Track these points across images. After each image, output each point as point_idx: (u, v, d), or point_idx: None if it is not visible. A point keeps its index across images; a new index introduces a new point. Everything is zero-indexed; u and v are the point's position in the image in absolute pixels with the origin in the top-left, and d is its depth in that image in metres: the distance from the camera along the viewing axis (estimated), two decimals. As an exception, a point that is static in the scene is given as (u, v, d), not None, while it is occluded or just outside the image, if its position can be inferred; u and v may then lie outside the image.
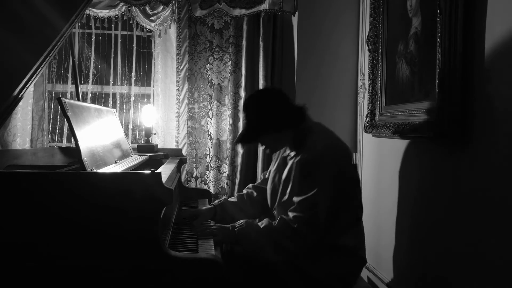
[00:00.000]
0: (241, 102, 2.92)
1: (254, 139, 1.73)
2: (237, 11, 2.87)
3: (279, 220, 1.57)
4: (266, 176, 1.91)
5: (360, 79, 2.59)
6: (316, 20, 2.71)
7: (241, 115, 2.92)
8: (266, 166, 2.82)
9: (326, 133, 1.69)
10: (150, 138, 2.68)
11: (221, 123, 3.03)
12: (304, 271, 1.57)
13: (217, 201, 1.93)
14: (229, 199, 1.95)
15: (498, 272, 1.31)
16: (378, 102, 2.23)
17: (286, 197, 1.63)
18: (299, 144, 1.63)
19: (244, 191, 1.99)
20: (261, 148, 2.83)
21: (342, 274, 1.61)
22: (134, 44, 3.05)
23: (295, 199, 1.55)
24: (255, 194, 1.93)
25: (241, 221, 1.62)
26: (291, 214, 1.54)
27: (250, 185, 2.01)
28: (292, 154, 1.67)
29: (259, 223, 1.60)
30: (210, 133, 3.04)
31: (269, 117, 1.65)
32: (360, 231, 1.70)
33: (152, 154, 2.41)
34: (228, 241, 1.62)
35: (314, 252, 1.58)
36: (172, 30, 3.01)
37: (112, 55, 3.03)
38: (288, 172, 1.66)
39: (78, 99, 2.08)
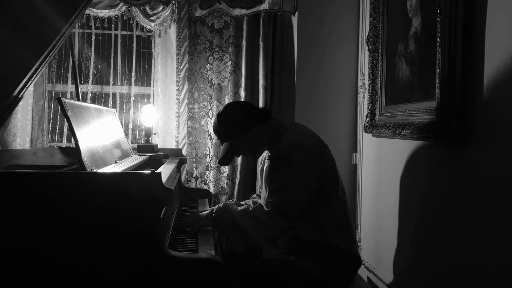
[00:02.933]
0: (241, 102, 2.93)
1: (232, 148, 1.74)
2: (237, 11, 2.87)
3: (257, 205, 1.61)
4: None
5: (360, 79, 2.59)
6: (316, 20, 2.71)
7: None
8: (266, 166, 2.82)
9: (299, 130, 1.73)
10: (150, 138, 2.68)
11: (221, 123, 3.03)
12: (302, 271, 1.57)
13: (229, 202, 1.98)
14: (239, 203, 2.00)
15: (500, 274, 1.31)
16: (378, 102, 2.23)
17: (266, 193, 1.67)
18: (276, 141, 1.67)
19: (250, 199, 2.04)
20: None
21: (340, 273, 1.61)
22: (134, 44, 3.05)
23: (269, 189, 1.60)
24: (259, 201, 1.96)
25: (220, 204, 1.69)
26: (264, 201, 1.59)
27: (255, 195, 2.09)
28: (270, 154, 1.72)
29: (238, 207, 1.66)
30: (210, 133, 3.04)
31: (233, 120, 1.71)
32: (349, 230, 1.69)
33: (152, 154, 2.41)
34: (204, 225, 1.66)
35: (311, 252, 1.59)
36: (172, 30, 3.01)
37: (112, 55, 3.03)
38: (265, 170, 1.72)
39: (78, 99, 2.08)
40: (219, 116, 1.74)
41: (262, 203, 1.60)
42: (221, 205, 1.68)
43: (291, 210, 1.52)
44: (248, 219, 1.57)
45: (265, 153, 1.83)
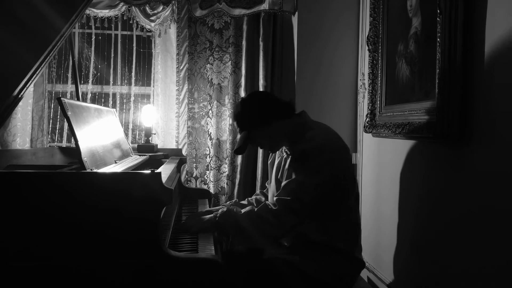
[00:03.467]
0: (241, 102, 2.93)
1: (249, 139, 1.71)
2: (237, 11, 2.87)
3: (261, 205, 1.59)
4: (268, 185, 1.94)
5: (360, 79, 2.59)
6: (316, 20, 2.71)
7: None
8: (266, 166, 2.81)
9: (328, 130, 1.71)
10: (150, 138, 2.68)
11: (221, 123, 3.03)
12: (304, 271, 1.57)
13: (228, 203, 1.97)
14: (240, 202, 2.00)
15: (499, 274, 1.31)
16: (378, 102, 2.23)
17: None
18: (298, 138, 1.63)
19: (253, 196, 2.04)
20: (260, 150, 2.84)
21: (342, 275, 1.61)
22: (134, 44, 3.05)
23: (283, 183, 1.57)
24: (263, 199, 1.97)
25: (223, 208, 1.67)
26: (274, 198, 1.56)
27: (258, 191, 2.07)
28: (291, 150, 1.67)
29: (241, 210, 1.64)
30: (210, 133, 3.04)
31: (255, 112, 1.67)
32: (357, 235, 1.69)
33: (152, 154, 2.41)
34: (210, 229, 1.64)
35: (314, 253, 1.59)
36: (172, 30, 3.01)
37: (112, 55, 3.03)
38: (281, 166, 1.69)
39: (78, 99, 2.08)
40: (243, 104, 1.71)
41: (267, 202, 1.58)
42: (224, 209, 1.66)
43: (299, 206, 1.51)
44: (252, 220, 1.55)
45: (281, 153, 1.80)
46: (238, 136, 2.85)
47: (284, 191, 1.55)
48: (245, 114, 1.69)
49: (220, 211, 1.66)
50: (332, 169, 1.56)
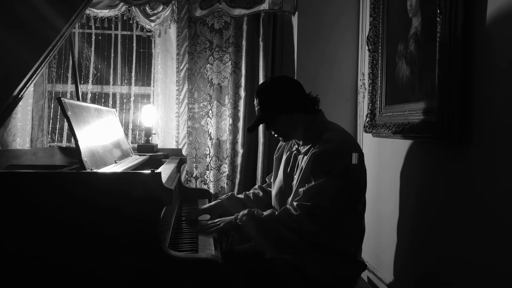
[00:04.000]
0: (241, 102, 2.93)
1: (269, 120, 1.68)
2: (237, 11, 2.87)
3: (282, 209, 1.57)
4: (272, 179, 1.92)
5: (360, 79, 2.59)
6: (316, 20, 2.71)
7: (241, 115, 2.92)
8: (266, 166, 2.82)
9: (344, 132, 1.69)
10: (150, 138, 2.68)
11: (221, 123, 3.03)
12: (304, 271, 1.56)
13: (224, 196, 1.96)
14: (237, 195, 2.00)
15: (498, 273, 1.31)
16: (378, 102, 2.23)
17: (296, 188, 1.61)
18: (315, 137, 1.61)
19: (251, 191, 2.02)
20: (260, 150, 2.84)
21: (343, 277, 1.60)
22: (134, 44, 3.05)
23: (301, 189, 1.54)
24: (261, 194, 1.96)
25: (244, 211, 1.62)
26: (295, 203, 1.53)
27: (257, 186, 2.06)
28: (306, 148, 1.64)
29: (263, 213, 1.60)
30: (210, 133, 3.04)
31: (283, 97, 1.64)
32: (361, 237, 1.69)
33: (152, 154, 2.41)
34: (228, 229, 1.64)
35: (316, 254, 1.58)
36: (172, 30, 3.01)
37: (112, 55, 3.03)
38: (301, 166, 1.63)
39: (78, 99, 2.08)
40: (273, 84, 1.68)
41: (288, 207, 1.55)
42: (245, 211, 1.61)
43: (319, 212, 1.48)
44: (273, 223, 1.53)
45: (290, 146, 1.79)
46: (240, 133, 2.87)
47: (304, 196, 1.51)
48: (270, 95, 1.66)
49: (241, 213, 1.62)
50: (353, 173, 1.55)
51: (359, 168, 1.61)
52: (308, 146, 1.63)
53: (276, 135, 1.73)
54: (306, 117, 1.66)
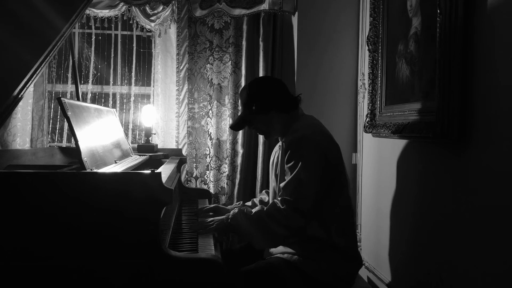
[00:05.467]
0: (241, 102, 2.93)
1: (246, 120, 1.77)
2: (237, 11, 2.87)
3: (270, 204, 1.60)
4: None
5: (360, 79, 2.59)
6: (316, 20, 2.71)
7: (241, 115, 2.92)
8: (266, 166, 2.82)
9: (313, 121, 1.74)
10: (150, 138, 2.68)
11: (221, 123, 3.03)
12: (304, 271, 1.57)
13: (233, 205, 2.03)
14: (245, 204, 2.02)
15: (498, 273, 1.31)
16: (378, 102, 2.23)
17: (278, 183, 1.68)
18: (285, 132, 1.69)
19: (259, 196, 2.06)
20: (261, 150, 2.84)
21: (341, 274, 1.61)
22: (134, 44, 3.05)
23: (281, 184, 1.59)
24: (267, 198, 1.98)
25: (235, 209, 1.66)
26: (279, 198, 1.57)
27: (264, 191, 2.09)
28: (281, 142, 1.73)
29: (252, 210, 1.65)
30: (210, 133, 3.04)
31: (259, 97, 1.71)
32: (352, 230, 1.70)
33: (152, 154, 2.41)
34: (224, 231, 1.66)
35: (313, 252, 1.59)
36: (172, 30, 3.00)
37: (112, 55, 3.03)
38: (277, 159, 1.75)
39: (78, 99, 2.08)
40: (251, 85, 1.77)
41: (275, 201, 1.58)
42: (236, 210, 1.65)
43: (304, 207, 1.52)
44: (262, 218, 1.55)
45: (277, 146, 1.82)
46: (240, 132, 2.87)
47: (285, 191, 1.55)
48: (249, 94, 1.74)
49: (231, 212, 1.65)
50: (320, 160, 1.57)
51: (332, 155, 1.63)
52: (282, 141, 1.70)
53: (259, 134, 1.81)
54: (283, 115, 1.71)
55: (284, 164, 1.61)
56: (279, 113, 1.70)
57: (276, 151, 1.81)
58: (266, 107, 1.70)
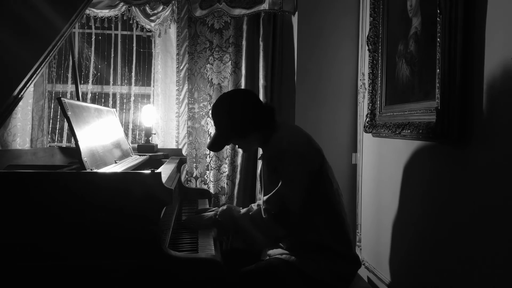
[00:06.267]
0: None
1: (223, 144, 1.75)
2: (237, 11, 2.87)
3: (256, 209, 1.63)
4: None
5: (360, 79, 2.59)
6: (316, 20, 2.71)
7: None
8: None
9: (291, 131, 1.72)
10: (150, 138, 2.68)
11: (221, 123, 3.03)
12: (303, 271, 1.57)
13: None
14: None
15: (499, 273, 1.31)
16: (378, 102, 2.23)
17: (262, 195, 1.71)
18: (265, 143, 1.68)
19: (258, 197, 2.06)
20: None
21: (340, 274, 1.60)
22: (134, 44, 3.05)
23: (264, 198, 1.60)
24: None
25: (224, 207, 1.70)
26: (263, 207, 1.59)
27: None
28: (261, 153, 1.76)
29: (240, 210, 1.69)
30: (210, 133, 3.04)
31: (237, 121, 1.64)
32: (345, 231, 1.66)
33: (152, 154, 2.41)
34: (210, 226, 1.68)
35: (312, 253, 1.59)
36: (172, 30, 3.01)
37: (112, 55, 3.03)
38: (260, 171, 1.77)
39: (78, 99, 2.08)
40: (224, 108, 1.67)
41: (262, 208, 1.60)
42: (224, 207, 1.69)
43: (286, 220, 1.55)
44: (246, 222, 1.60)
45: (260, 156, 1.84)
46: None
47: (268, 204, 1.56)
48: (223, 118, 1.67)
49: (220, 208, 1.70)
50: (302, 170, 1.56)
51: (310, 162, 1.59)
52: (263, 152, 1.72)
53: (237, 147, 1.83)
54: (260, 133, 1.67)
55: (267, 177, 1.64)
56: (257, 132, 1.66)
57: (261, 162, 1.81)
58: (244, 132, 1.65)
